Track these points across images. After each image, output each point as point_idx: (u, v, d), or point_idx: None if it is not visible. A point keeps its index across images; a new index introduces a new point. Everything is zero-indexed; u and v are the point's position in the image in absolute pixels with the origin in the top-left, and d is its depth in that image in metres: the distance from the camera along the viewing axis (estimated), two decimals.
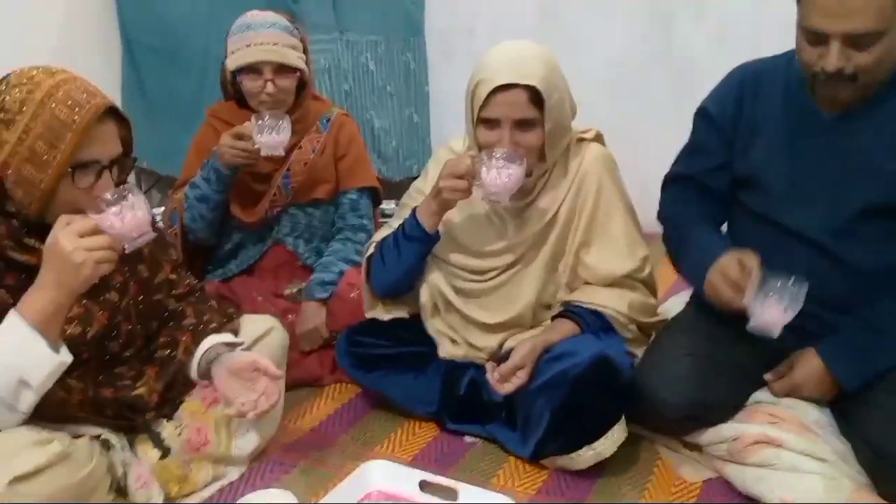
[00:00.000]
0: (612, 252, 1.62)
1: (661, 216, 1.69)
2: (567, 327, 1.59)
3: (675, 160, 1.68)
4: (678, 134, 1.70)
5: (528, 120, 1.50)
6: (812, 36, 1.32)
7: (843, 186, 1.42)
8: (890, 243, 1.42)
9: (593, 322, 1.59)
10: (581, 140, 1.67)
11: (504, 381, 1.55)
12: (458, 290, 1.71)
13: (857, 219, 1.42)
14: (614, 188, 1.65)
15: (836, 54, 1.28)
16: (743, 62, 1.60)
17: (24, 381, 1.16)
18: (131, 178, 1.46)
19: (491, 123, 1.52)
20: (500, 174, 1.44)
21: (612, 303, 1.59)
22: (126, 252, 1.23)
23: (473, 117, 1.55)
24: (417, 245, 1.63)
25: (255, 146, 1.82)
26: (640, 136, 2.68)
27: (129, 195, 1.20)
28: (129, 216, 1.19)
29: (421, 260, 1.69)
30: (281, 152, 1.86)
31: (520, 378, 1.55)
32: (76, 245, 1.13)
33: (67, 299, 1.18)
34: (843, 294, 1.45)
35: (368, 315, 1.77)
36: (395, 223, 1.75)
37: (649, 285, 1.68)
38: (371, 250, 1.74)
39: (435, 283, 1.72)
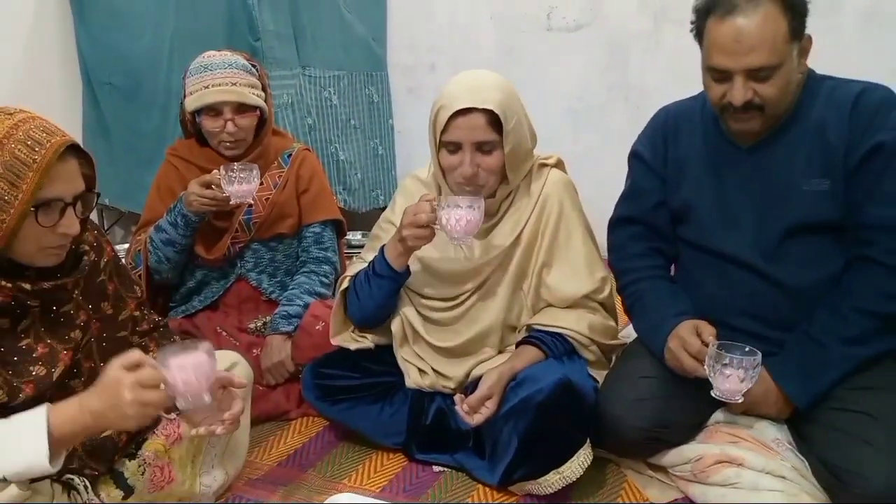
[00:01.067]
0: (572, 272, 1.66)
1: (613, 267, 1.75)
2: (531, 354, 1.61)
3: (617, 204, 1.76)
4: None
5: (488, 142, 1.55)
6: (716, 73, 1.42)
7: (766, 210, 1.50)
8: (817, 260, 1.49)
9: (556, 346, 1.61)
10: (543, 165, 1.72)
11: (473, 412, 1.56)
12: (426, 319, 1.73)
13: (783, 239, 1.50)
14: (574, 211, 1.70)
15: (741, 88, 1.38)
16: (666, 104, 1.70)
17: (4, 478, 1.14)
18: (94, 215, 1.44)
19: (452, 147, 1.57)
20: (460, 220, 1.47)
21: (573, 324, 1.62)
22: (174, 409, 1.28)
23: (436, 142, 1.59)
24: (388, 282, 1.66)
25: (224, 195, 1.82)
26: (600, 166, 2.73)
27: (209, 357, 1.23)
28: (194, 381, 1.21)
29: (393, 295, 1.71)
30: (250, 201, 1.86)
31: (488, 409, 1.56)
32: (135, 397, 1.14)
33: (97, 429, 1.22)
34: (783, 312, 1.52)
35: (334, 342, 1.77)
36: (366, 255, 1.77)
37: (608, 307, 1.71)
38: (346, 283, 1.75)
39: (405, 313, 1.74)
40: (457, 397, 1.60)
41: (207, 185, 1.85)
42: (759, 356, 1.35)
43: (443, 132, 1.56)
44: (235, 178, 1.79)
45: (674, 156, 1.62)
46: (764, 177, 1.50)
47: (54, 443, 1.15)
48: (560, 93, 3.21)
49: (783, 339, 1.51)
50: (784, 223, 1.48)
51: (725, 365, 1.35)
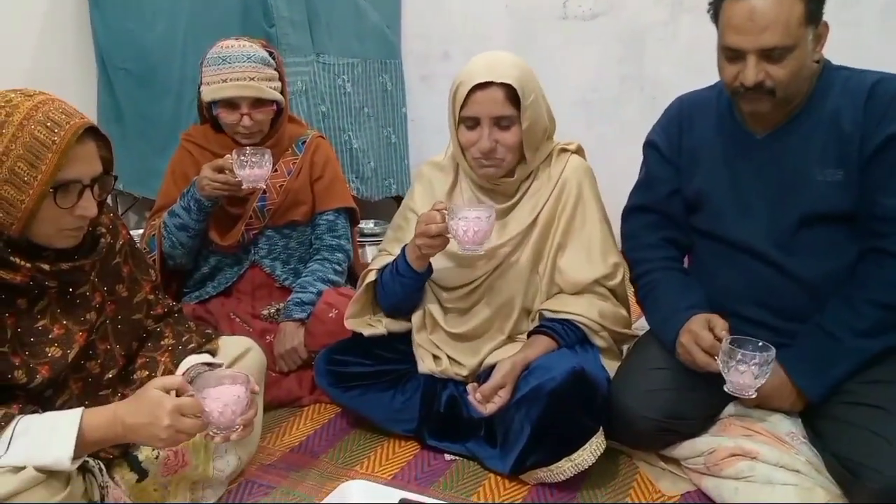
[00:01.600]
0: (585, 256, 1.66)
1: (626, 257, 1.74)
2: (544, 343, 1.61)
3: (631, 193, 1.75)
4: None
5: (506, 117, 1.56)
6: (730, 53, 1.42)
7: (780, 199, 1.49)
8: (831, 250, 1.48)
9: (568, 334, 1.61)
10: (563, 151, 1.72)
11: (486, 402, 1.56)
12: (446, 310, 1.74)
13: (797, 229, 1.49)
14: (592, 196, 1.70)
15: (753, 68, 1.38)
16: (681, 94, 1.69)
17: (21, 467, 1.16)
18: (108, 200, 1.45)
19: (471, 122, 1.58)
20: (467, 231, 1.48)
21: (583, 310, 1.62)
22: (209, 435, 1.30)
23: (455, 119, 1.60)
24: (410, 281, 1.67)
25: (237, 179, 1.82)
26: (613, 157, 2.72)
27: (247, 391, 1.27)
28: (230, 413, 1.26)
29: (417, 290, 1.73)
30: (262, 185, 1.86)
31: (501, 398, 1.56)
32: (173, 423, 1.20)
33: (123, 440, 1.25)
34: (796, 302, 1.51)
35: (348, 325, 1.78)
36: (388, 246, 1.80)
37: (619, 295, 1.70)
38: (371, 276, 1.76)
39: (427, 304, 1.76)
40: (470, 386, 1.60)
41: (220, 170, 1.85)
42: (772, 351, 1.34)
43: (461, 108, 1.57)
44: (247, 162, 1.79)
45: (688, 145, 1.62)
46: (778, 166, 1.49)
47: (81, 445, 1.18)
48: (574, 83, 3.19)
49: (795, 331, 1.50)
50: (798, 213, 1.48)
51: (739, 360, 1.34)
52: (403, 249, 1.67)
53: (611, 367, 1.64)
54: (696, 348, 1.45)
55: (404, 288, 1.69)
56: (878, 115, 1.40)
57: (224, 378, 1.29)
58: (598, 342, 1.64)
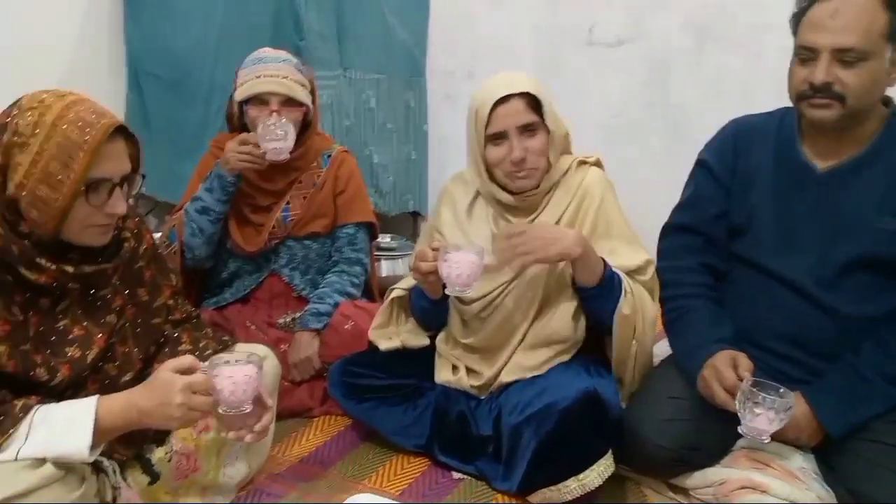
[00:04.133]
0: (614, 253, 1.65)
1: (660, 275, 1.71)
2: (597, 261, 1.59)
3: (674, 210, 1.72)
4: (673, 181, 1.75)
5: (531, 123, 1.59)
6: (804, 53, 1.41)
7: (830, 239, 1.47)
8: (874, 294, 1.47)
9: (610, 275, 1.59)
10: (583, 163, 1.74)
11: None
12: (465, 323, 1.75)
13: (843, 270, 1.47)
14: (614, 204, 1.72)
15: (825, 68, 1.37)
16: (737, 116, 1.66)
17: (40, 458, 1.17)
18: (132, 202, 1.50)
19: (498, 139, 1.60)
20: (450, 274, 1.49)
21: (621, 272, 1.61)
22: (219, 412, 1.28)
23: (481, 140, 1.62)
24: (429, 304, 1.73)
25: (261, 151, 1.87)
26: (636, 182, 2.73)
27: (256, 369, 1.28)
28: (241, 390, 1.26)
29: (442, 312, 1.77)
30: (286, 156, 1.91)
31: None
32: (185, 400, 1.20)
33: (139, 426, 1.25)
34: (828, 341, 1.49)
35: (371, 336, 1.82)
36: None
37: (650, 290, 1.68)
38: (396, 293, 1.82)
39: (450, 321, 1.80)
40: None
41: (245, 143, 1.90)
42: (792, 398, 1.33)
43: (486, 126, 1.59)
44: (271, 135, 1.85)
45: (743, 168, 1.59)
46: (834, 205, 1.47)
47: (98, 432, 1.19)
48: (598, 107, 3.20)
49: (821, 369, 1.49)
50: (847, 255, 1.46)
51: (757, 403, 1.32)
52: None
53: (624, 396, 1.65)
54: (717, 385, 1.43)
55: (425, 314, 1.75)
56: None
57: (236, 359, 1.29)
58: (625, 308, 1.59)
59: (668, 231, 1.73)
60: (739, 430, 1.36)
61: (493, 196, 1.70)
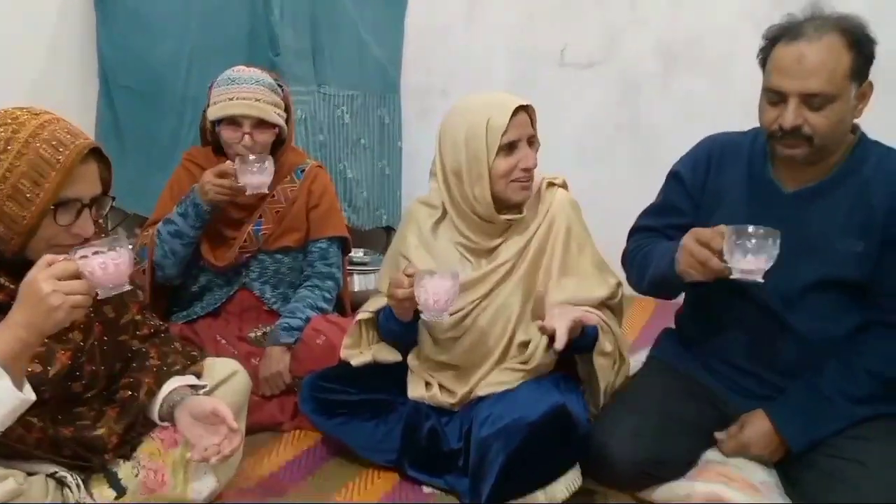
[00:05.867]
0: (588, 279, 1.68)
1: (625, 256, 1.75)
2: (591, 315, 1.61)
3: (641, 214, 1.76)
4: (641, 201, 1.79)
5: (534, 136, 1.66)
6: (773, 96, 1.44)
7: (796, 259, 1.50)
8: (837, 314, 1.51)
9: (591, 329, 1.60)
10: (551, 185, 1.76)
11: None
12: (436, 341, 1.76)
13: (807, 289, 1.51)
14: (582, 226, 1.75)
15: (793, 111, 1.41)
16: (712, 133, 1.71)
17: None
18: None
19: (512, 148, 1.62)
20: (429, 298, 1.49)
21: (597, 313, 1.64)
22: (98, 298, 1.22)
23: (491, 154, 1.61)
24: (398, 327, 1.72)
25: (240, 185, 1.86)
26: (605, 201, 2.78)
27: (118, 246, 1.20)
28: (112, 266, 1.19)
29: (411, 332, 1.76)
30: (265, 190, 1.90)
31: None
32: (54, 288, 1.12)
33: (36, 339, 1.16)
34: (792, 359, 1.53)
35: (342, 354, 1.81)
36: (382, 287, 1.83)
37: (619, 314, 1.73)
38: (363, 315, 1.81)
39: (420, 338, 1.79)
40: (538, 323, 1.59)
41: (223, 175, 1.89)
42: (778, 233, 1.31)
43: (504, 134, 1.60)
44: (250, 169, 1.84)
45: (713, 185, 1.62)
46: (800, 226, 1.49)
47: (8, 368, 1.13)
48: (569, 127, 3.25)
49: (785, 386, 1.53)
50: (811, 275, 1.49)
51: (746, 241, 1.31)
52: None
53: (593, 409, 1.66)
54: (697, 246, 1.40)
55: (398, 331, 1.74)
56: None
57: (101, 243, 1.20)
58: (606, 346, 1.62)
59: (633, 232, 1.77)
60: (733, 277, 1.34)
61: (483, 215, 1.68)
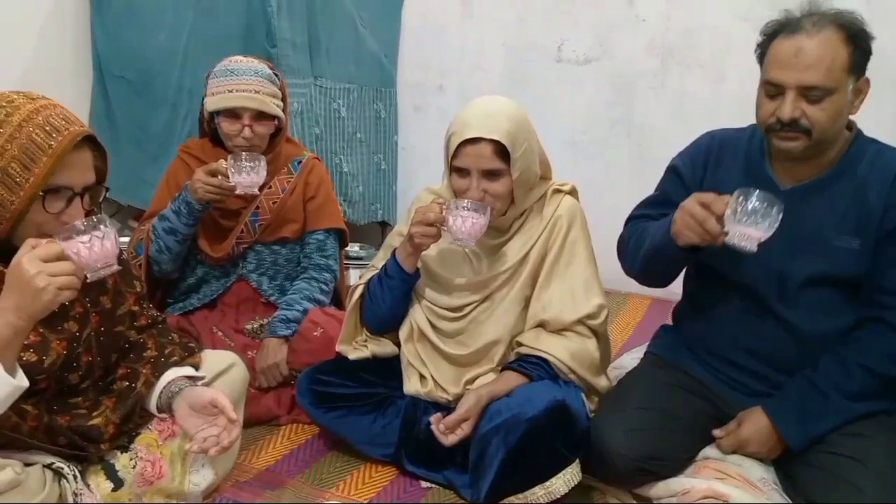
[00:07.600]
0: (570, 295, 1.68)
1: (621, 241, 1.75)
2: (513, 379, 1.64)
3: (639, 205, 1.76)
4: (635, 197, 1.79)
5: (495, 170, 1.59)
6: (771, 88, 1.45)
7: (791, 254, 1.52)
8: (832, 310, 1.52)
9: (539, 371, 1.63)
10: (558, 191, 1.76)
11: (449, 433, 1.60)
12: (434, 328, 1.76)
13: (803, 285, 1.52)
14: (581, 237, 1.73)
15: (791, 104, 1.42)
16: (707, 130, 1.72)
17: None
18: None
19: (462, 172, 1.62)
20: (465, 222, 1.53)
21: (555, 350, 1.64)
22: (87, 281, 1.20)
23: (448, 165, 1.64)
24: (399, 283, 1.71)
25: (231, 184, 1.84)
26: (599, 198, 2.79)
27: (101, 226, 1.18)
28: (98, 246, 1.17)
29: (404, 296, 1.76)
30: (256, 192, 1.88)
31: (464, 430, 1.60)
32: (39, 269, 1.10)
33: (26, 324, 1.14)
34: (789, 355, 1.54)
35: (338, 348, 1.80)
36: (378, 263, 1.82)
37: (601, 335, 1.71)
38: (359, 291, 1.79)
39: (414, 316, 1.78)
40: (433, 417, 1.63)
41: (214, 174, 1.86)
42: (782, 205, 1.31)
43: (453, 157, 1.61)
44: (243, 168, 1.82)
45: (711, 181, 1.63)
46: (796, 223, 1.50)
47: None
48: (564, 123, 3.27)
49: (782, 382, 1.54)
50: (807, 271, 1.51)
51: (752, 204, 1.30)
52: (394, 252, 1.71)
53: (591, 404, 1.66)
54: (697, 206, 1.39)
55: (391, 293, 1.72)
56: None
57: (84, 224, 1.18)
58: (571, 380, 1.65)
59: (629, 221, 1.77)
60: (727, 241, 1.34)
61: None
